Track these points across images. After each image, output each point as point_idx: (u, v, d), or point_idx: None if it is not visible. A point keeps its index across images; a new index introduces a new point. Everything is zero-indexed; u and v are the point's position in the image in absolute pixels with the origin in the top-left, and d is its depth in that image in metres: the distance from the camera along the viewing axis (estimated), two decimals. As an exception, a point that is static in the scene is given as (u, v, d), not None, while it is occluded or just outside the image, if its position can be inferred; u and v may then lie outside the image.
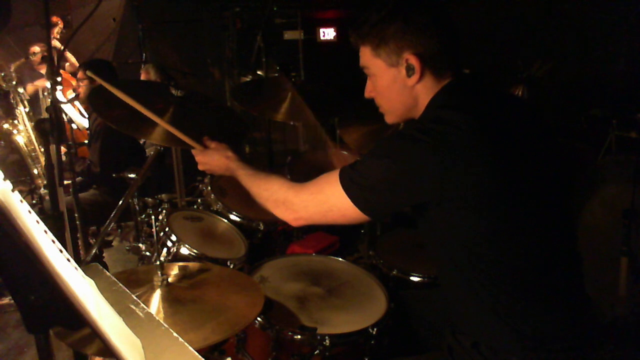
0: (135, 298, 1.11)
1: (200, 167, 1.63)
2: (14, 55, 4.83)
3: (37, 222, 0.76)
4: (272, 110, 2.45)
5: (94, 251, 1.88)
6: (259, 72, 4.42)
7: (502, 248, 1.23)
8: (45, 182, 3.44)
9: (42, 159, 3.81)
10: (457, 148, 1.15)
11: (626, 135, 2.91)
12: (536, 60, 3.04)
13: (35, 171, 3.90)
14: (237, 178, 1.53)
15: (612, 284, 2.45)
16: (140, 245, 2.32)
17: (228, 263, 1.93)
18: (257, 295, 1.49)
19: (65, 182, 1.89)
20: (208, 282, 1.56)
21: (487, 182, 1.17)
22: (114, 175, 2.52)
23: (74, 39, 4.82)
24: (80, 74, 3.22)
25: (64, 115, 1.84)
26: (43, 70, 4.75)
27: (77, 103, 4.12)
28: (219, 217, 2.21)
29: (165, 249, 1.93)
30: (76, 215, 2.22)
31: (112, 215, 1.87)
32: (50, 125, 1.71)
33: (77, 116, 4.23)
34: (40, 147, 3.88)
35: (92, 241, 2.79)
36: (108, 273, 1.22)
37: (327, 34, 4.75)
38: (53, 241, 0.79)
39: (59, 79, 1.82)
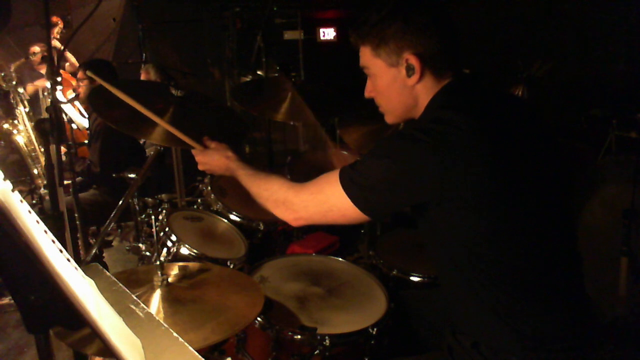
0: (135, 298, 1.11)
1: (200, 167, 1.63)
2: (14, 55, 4.83)
3: (37, 222, 0.76)
4: (272, 110, 2.45)
5: (94, 251, 1.88)
6: (259, 72, 4.42)
7: (502, 248, 1.23)
8: (45, 182, 3.44)
9: (42, 159, 3.81)
10: (457, 148, 1.15)
11: (626, 135, 2.91)
12: (536, 60, 3.03)
13: (35, 171, 3.90)
14: (237, 178, 1.53)
15: (612, 284, 2.45)
16: (140, 245, 2.32)
17: (228, 263, 1.93)
18: (257, 295, 1.49)
19: (65, 182, 1.89)
20: (208, 282, 1.56)
21: (487, 182, 1.17)
22: (114, 175, 2.52)
23: (74, 39, 4.82)
24: (80, 74, 3.22)
25: (64, 115, 1.84)
26: (43, 70, 4.75)
27: (77, 103, 4.12)
28: (219, 217, 2.21)
29: (165, 249, 1.93)
30: (76, 215, 2.22)
31: (112, 215, 1.87)
32: (50, 125, 1.71)
33: (77, 116, 4.23)
34: (40, 147, 3.88)
35: (92, 241, 2.79)
36: (108, 273, 1.22)
37: (327, 34, 4.75)
38: (53, 241, 0.79)
39: (59, 79, 1.82)
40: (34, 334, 0.84)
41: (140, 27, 4.82)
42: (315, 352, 1.51)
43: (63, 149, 1.90)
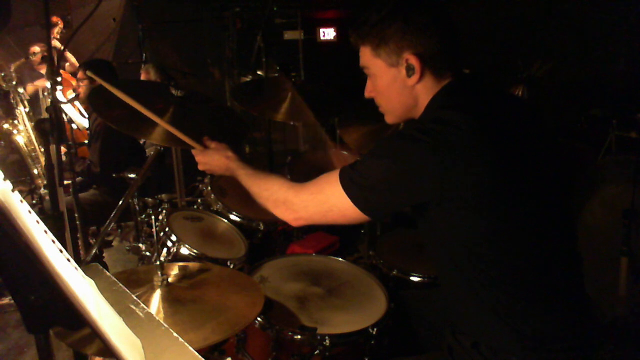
0: (135, 298, 1.11)
1: (200, 167, 1.63)
2: (14, 55, 4.83)
3: (37, 222, 0.76)
4: (272, 110, 2.45)
5: (94, 251, 1.88)
6: (259, 72, 4.43)
7: (502, 248, 1.23)
8: (45, 182, 3.44)
9: (42, 159, 3.81)
10: (457, 148, 1.15)
11: (626, 135, 2.91)
12: (536, 60, 3.04)
13: (35, 171, 3.90)
14: (237, 178, 1.53)
15: (612, 284, 2.45)
16: (140, 245, 2.32)
17: (228, 263, 1.93)
18: (257, 295, 1.49)
19: (65, 182, 1.89)
20: (208, 282, 1.56)
21: (487, 182, 1.17)
22: (114, 175, 2.52)
23: (74, 39, 4.82)
24: (80, 74, 3.22)
25: (64, 115, 1.84)
26: (43, 70, 4.75)
27: (77, 103, 4.12)
28: (219, 217, 2.21)
29: (165, 249, 1.93)
30: (76, 215, 2.22)
31: (112, 215, 1.87)
32: (50, 125, 1.71)
33: (77, 116, 4.23)
34: (40, 147, 3.88)
35: (92, 241, 2.79)
36: (108, 273, 1.22)
37: (327, 34, 4.75)
38: (53, 241, 0.79)
39: (59, 79, 1.82)
40: (34, 334, 0.84)
41: (140, 27, 4.82)
42: (315, 352, 1.51)
43: (63, 149, 1.90)
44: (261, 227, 2.20)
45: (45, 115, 1.73)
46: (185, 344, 0.96)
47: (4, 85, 4.03)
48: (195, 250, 1.91)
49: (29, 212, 0.75)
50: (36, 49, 4.76)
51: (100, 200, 3.07)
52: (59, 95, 1.89)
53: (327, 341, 1.50)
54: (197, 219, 2.19)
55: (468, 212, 1.19)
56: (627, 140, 2.90)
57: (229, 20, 5.31)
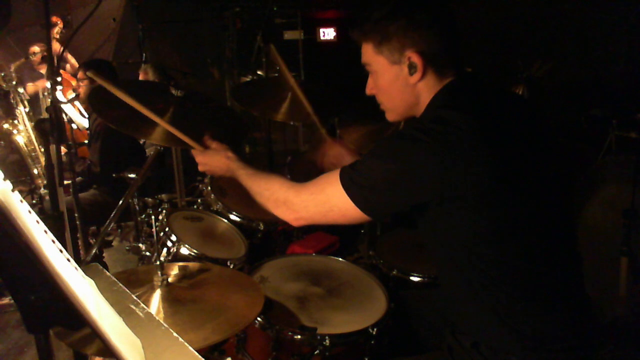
0: (135, 298, 1.11)
1: (200, 168, 1.62)
2: (14, 55, 4.84)
3: (37, 222, 0.76)
4: (272, 110, 2.44)
5: (94, 251, 1.88)
6: (259, 72, 4.43)
7: (502, 248, 1.23)
8: (45, 182, 3.44)
9: (42, 159, 3.81)
10: (457, 148, 1.15)
11: (626, 135, 2.91)
12: (536, 60, 3.04)
13: (35, 171, 3.90)
14: (238, 178, 1.53)
15: (612, 284, 2.45)
16: (140, 245, 2.32)
17: (228, 263, 1.93)
18: (257, 295, 1.49)
19: (65, 182, 1.89)
20: (208, 282, 1.55)
21: (487, 182, 1.17)
22: (114, 175, 2.52)
23: (74, 39, 4.82)
24: (80, 74, 3.22)
25: (64, 115, 1.84)
26: (43, 70, 4.76)
27: (77, 103, 4.12)
28: (219, 217, 2.21)
29: (165, 249, 1.93)
30: (76, 215, 2.22)
31: (112, 215, 1.87)
32: (50, 125, 1.71)
33: (77, 116, 4.23)
34: (40, 147, 3.88)
35: (92, 241, 2.79)
36: (108, 273, 1.22)
37: (327, 34, 4.75)
38: (53, 241, 0.79)
39: (59, 79, 1.82)
40: (34, 334, 0.84)
41: (140, 27, 4.81)
42: (315, 352, 1.51)
43: (63, 149, 1.90)
44: (261, 227, 2.20)
45: (45, 115, 1.73)
46: (185, 344, 0.96)
47: (4, 85, 4.03)
48: (195, 250, 1.91)
49: (29, 212, 0.75)
50: (36, 49, 4.76)
51: (100, 200, 3.07)
52: (59, 95, 1.89)
53: (327, 341, 1.50)
54: (197, 219, 2.19)
55: (468, 212, 1.19)
56: (627, 140, 2.90)
57: (229, 20, 5.31)
